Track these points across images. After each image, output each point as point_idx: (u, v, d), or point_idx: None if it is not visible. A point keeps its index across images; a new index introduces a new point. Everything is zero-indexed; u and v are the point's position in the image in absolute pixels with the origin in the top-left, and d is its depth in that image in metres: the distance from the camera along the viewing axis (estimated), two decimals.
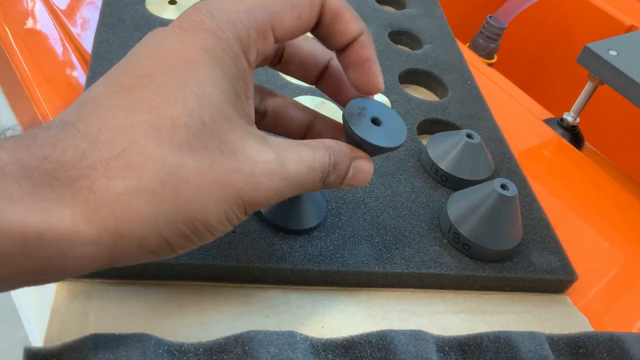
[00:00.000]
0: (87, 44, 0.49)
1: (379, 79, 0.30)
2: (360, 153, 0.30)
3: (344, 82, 0.33)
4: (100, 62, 0.43)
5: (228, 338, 0.28)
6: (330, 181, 0.29)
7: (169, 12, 0.51)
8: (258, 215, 0.36)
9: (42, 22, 0.51)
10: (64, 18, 0.51)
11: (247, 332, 0.28)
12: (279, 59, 0.32)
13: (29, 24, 0.51)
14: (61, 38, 0.50)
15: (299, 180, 0.27)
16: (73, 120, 0.23)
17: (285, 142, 0.28)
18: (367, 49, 0.30)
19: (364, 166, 0.31)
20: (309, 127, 0.33)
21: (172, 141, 0.23)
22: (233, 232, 0.35)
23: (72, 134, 0.22)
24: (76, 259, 0.22)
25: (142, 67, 0.25)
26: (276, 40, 0.28)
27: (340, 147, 0.29)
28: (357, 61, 0.30)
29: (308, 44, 0.32)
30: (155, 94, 0.24)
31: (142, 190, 0.23)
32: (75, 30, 0.50)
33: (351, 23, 0.29)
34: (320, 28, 0.29)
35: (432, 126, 0.50)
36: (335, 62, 0.32)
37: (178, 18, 0.26)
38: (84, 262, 0.22)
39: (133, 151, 0.23)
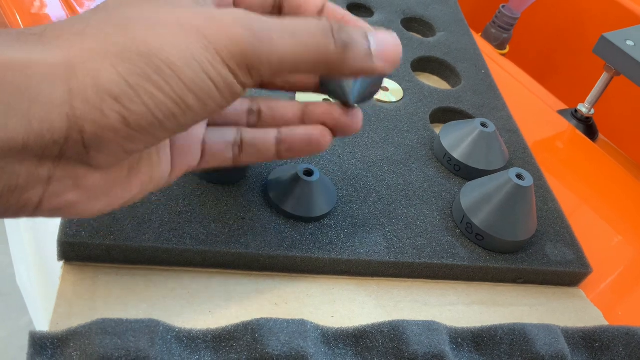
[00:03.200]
0: None
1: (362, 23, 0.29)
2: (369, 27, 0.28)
3: None
4: None
5: (237, 325, 0.28)
6: (347, 49, 0.25)
7: None
8: (268, 202, 0.35)
9: (51, 5, 0.50)
10: (73, 2, 0.51)
11: (257, 320, 0.27)
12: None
13: (37, 7, 0.50)
14: None
15: (288, 29, 0.24)
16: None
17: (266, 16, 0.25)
18: (339, 10, 0.30)
19: (384, 34, 0.27)
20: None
21: None
22: (243, 218, 0.34)
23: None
24: (32, 98, 0.21)
25: None
26: None
27: (337, 12, 0.29)
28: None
29: None
30: None
31: (92, 32, 0.22)
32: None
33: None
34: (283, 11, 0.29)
35: (444, 115, 0.49)
36: None
37: None
38: (42, 105, 0.21)
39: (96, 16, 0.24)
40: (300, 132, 0.30)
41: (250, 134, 0.31)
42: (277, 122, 0.32)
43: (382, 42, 0.26)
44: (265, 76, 0.24)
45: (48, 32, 0.23)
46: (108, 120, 0.22)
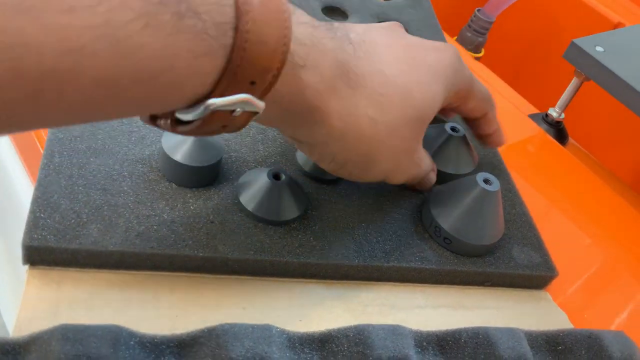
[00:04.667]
0: None
1: (502, 141, 0.43)
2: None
3: None
4: None
5: (202, 331, 0.28)
6: (420, 184, 0.40)
7: None
8: (238, 205, 0.35)
9: None
10: None
11: (222, 325, 0.27)
12: None
13: None
14: None
15: (426, 181, 0.40)
16: (366, 53, 0.32)
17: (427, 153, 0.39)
18: (492, 125, 0.42)
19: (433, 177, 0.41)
20: None
21: (406, 112, 0.33)
22: (212, 222, 0.34)
23: (367, 62, 0.32)
24: (311, 130, 0.31)
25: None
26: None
27: (433, 164, 0.41)
28: (491, 144, 0.43)
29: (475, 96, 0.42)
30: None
31: (376, 123, 0.32)
32: None
33: (494, 126, 0.42)
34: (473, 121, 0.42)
35: None
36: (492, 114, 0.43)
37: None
38: (311, 135, 0.32)
39: (387, 98, 0.32)
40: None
41: None
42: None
43: (429, 180, 0.40)
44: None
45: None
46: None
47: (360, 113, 0.31)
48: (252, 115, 0.27)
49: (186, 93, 0.24)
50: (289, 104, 0.29)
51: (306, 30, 0.28)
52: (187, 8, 0.22)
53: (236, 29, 0.24)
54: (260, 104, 0.26)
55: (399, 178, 0.37)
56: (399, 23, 0.39)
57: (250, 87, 0.25)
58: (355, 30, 0.33)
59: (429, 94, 0.34)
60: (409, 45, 0.35)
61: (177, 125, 0.26)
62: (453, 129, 0.42)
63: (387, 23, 0.37)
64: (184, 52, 0.22)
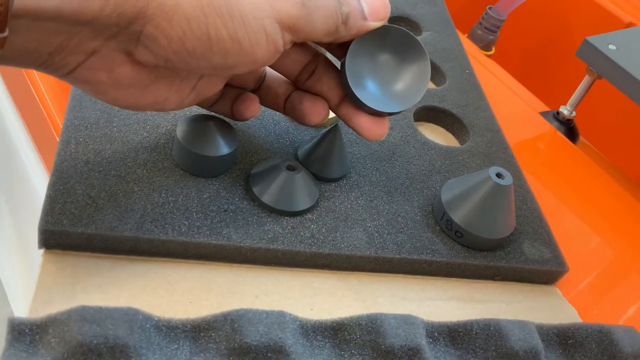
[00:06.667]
0: None
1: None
2: None
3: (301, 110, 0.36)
4: None
5: (217, 316, 0.28)
6: (347, 19, 0.31)
7: None
8: (251, 195, 0.36)
9: None
10: None
11: (237, 310, 0.28)
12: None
13: None
14: None
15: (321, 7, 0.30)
16: None
17: None
18: None
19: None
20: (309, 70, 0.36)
21: None
22: (225, 210, 0.34)
23: None
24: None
25: None
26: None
27: None
28: None
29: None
30: None
31: None
32: None
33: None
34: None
35: (428, 113, 0.49)
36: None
37: None
38: (122, 10, 0.25)
39: None
40: (307, 98, 0.36)
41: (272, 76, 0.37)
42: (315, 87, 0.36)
43: (372, 4, 0.32)
44: (299, 41, 0.31)
45: None
46: (170, 31, 0.26)
47: None
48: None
49: None
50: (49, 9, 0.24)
51: None
52: None
53: None
54: None
55: (290, 18, 0.29)
56: None
57: None
58: None
59: None
60: None
61: None
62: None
63: None
64: None
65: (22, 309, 0.60)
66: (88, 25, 0.25)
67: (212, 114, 0.37)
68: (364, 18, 0.32)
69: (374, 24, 0.32)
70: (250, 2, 0.28)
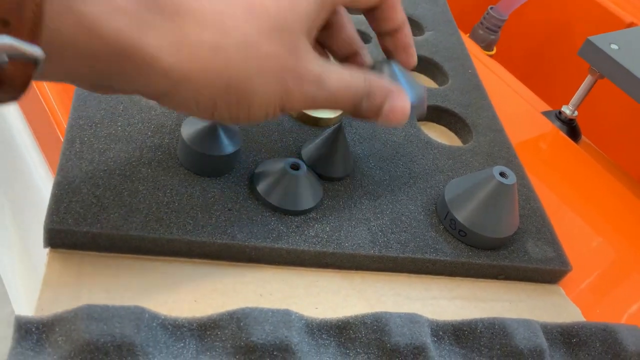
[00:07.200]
0: None
1: (415, 59, 0.36)
2: (400, 92, 0.33)
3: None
4: None
5: (223, 314, 0.28)
6: (364, 108, 0.32)
7: None
8: (255, 194, 0.36)
9: None
10: None
11: (242, 309, 0.28)
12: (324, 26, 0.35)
13: None
14: None
15: (334, 95, 0.31)
16: None
17: (331, 63, 0.32)
18: (410, 38, 0.36)
19: (399, 103, 0.33)
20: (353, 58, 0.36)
21: (259, 24, 0.28)
22: (229, 210, 0.34)
23: None
24: (144, 79, 0.26)
25: None
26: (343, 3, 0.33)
27: (378, 81, 0.33)
28: (402, 46, 0.36)
29: (351, 26, 0.36)
30: None
31: (221, 48, 0.27)
32: None
33: (399, 14, 0.35)
34: (375, 12, 0.34)
35: (431, 113, 0.49)
36: (364, 53, 0.36)
37: None
38: (148, 85, 0.27)
39: (226, 16, 0.27)
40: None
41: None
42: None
43: (392, 107, 0.32)
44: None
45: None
46: (178, 105, 0.29)
47: (193, 42, 0.26)
48: (31, 66, 0.23)
49: None
50: (83, 48, 0.24)
51: None
52: None
53: None
54: (31, 50, 0.23)
55: (296, 104, 0.31)
56: None
57: (4, 28, 0.22)
58: None
59: None
60: None
61: None
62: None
63: None
64: None
65: (24, 308, 0.60)
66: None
67: None
68: (379, 113, 0.33)
69: (382, 124, 0.33)
70: (264, 92, 0.29)
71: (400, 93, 0.33)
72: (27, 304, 0.58)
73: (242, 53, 0.27)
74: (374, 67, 0.35)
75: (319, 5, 0.31)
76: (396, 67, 0.35)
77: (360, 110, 0.32)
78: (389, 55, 0.36)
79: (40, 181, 0.47)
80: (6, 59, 0.22)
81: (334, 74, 0.31)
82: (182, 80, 0.27)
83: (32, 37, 0.22)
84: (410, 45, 0.36)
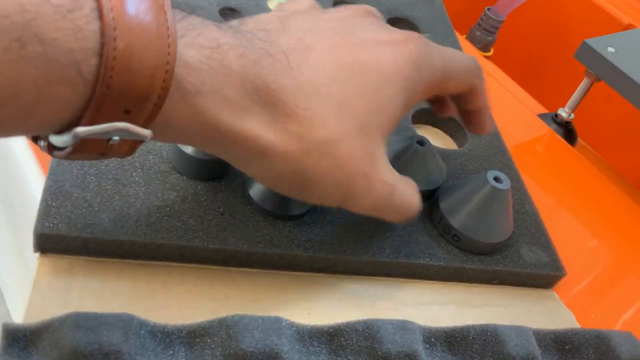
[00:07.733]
0: None
1: (489, 124, 0.40)
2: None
3: None
4: None
5: (212, 321, 0.28)
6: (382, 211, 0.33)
7: None
8: (248, 199, 0.35)
9: None
10: None
11: (232, 316, 0.28)
12: None
13: None
14: None
15: (396, 210, 0.33)
16: (293, 64, 0.29)
17: (397, 174, 0.33)
18: (487, 116, 0.39)
19: (413, 201, 0.34)
20: None
21: (344, 124, 0.29)
22: (222, 214, 0.34)
23: (291, 74, 0.28)
24: (257, 163, 0.29)
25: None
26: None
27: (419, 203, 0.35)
28: (477, 123, 0.39)
29: None
30: (365, 84, 0.30)
31: (303, 139, 0.28)
32: None
33: (483, 100, 0.38)
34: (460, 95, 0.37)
35: (427, 115, 0.49)
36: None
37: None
38: (229, 152, 0.29)
39: (316, 113, 0.29)
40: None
41: None
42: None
43: (403, 202, 0.33)
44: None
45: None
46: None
47: (279, 129, 0.28)
48: (138, 143, 0.26)
49: (46, 119, 0.23)
50: (188, 129, 0.27)
51: (200, 53, 0.26)
52: (32, 34, 0.21)
53: (101, 56, 0.22)
54: (143, 132, 0.25)
55: (358, 204, 0.32)
56: (369, 8, 0.35)
57: (125, 115, 0.24)
58: (290, 36, 0.30)
59: (375, 102, 0.30)
60: (358, 45, 0.31)
61: (53, 149, 0.25)
62: (420, 142, 0.40)
63: (349, 11, 0.34)
64: (29, 80, 0.21)
65: (20, 309, 0.60)
66: None
67: None
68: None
69: (392, 219, 0.34)
70: (324, 189, 0.30)
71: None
72: (22, 305, 0.58)
73: (320, 148, 0.29)
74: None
75: (404, 109, 0.32)
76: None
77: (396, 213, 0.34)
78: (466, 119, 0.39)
79: (34, 183, 0.47)
80: (117, 138, 0.25)
81: (403, 187, 0.33)
82: (258, 156, 0.29)
83: (147, 123, 0.25)
84: (486, 122, 0.39)
